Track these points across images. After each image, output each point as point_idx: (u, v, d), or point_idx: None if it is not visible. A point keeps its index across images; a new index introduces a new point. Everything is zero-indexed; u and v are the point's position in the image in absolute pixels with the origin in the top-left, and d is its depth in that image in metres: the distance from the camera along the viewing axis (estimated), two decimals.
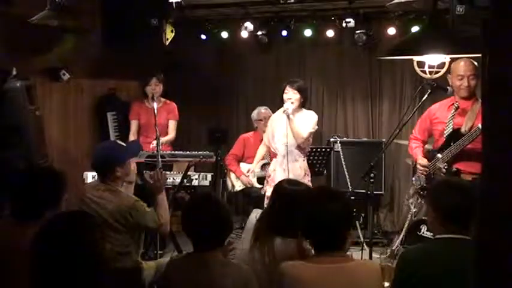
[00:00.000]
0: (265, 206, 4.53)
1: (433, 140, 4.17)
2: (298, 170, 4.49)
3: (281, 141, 4.52)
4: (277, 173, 4.54)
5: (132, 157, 3.44)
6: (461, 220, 2.35)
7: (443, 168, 3.81)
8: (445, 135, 3.88)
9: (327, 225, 2.23)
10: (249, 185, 5.68)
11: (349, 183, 5.74)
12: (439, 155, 3.86)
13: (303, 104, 4.56)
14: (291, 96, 4.44)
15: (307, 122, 4.49)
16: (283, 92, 4.50)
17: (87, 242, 1.75)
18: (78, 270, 1.70)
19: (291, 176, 4.42)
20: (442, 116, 3.95)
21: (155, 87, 5.15)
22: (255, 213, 3.16)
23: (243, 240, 3.17)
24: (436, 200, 2.47)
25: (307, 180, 4.52)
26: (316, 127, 4.60)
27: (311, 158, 5.46)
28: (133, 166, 3.54)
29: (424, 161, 3.97)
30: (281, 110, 4.55)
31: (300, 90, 4.46)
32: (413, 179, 4.16)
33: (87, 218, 1.90)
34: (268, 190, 4.54)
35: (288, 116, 4.39)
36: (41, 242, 1.74)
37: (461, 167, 3.74)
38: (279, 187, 2.85)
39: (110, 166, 3.18)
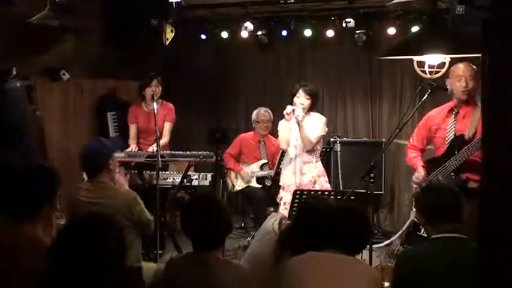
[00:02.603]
0: (279, 209, 4.54)
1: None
2: (313, 171, 4.49)
3: (292, 144, 4.51)
4: (286, 177, 4.55)
5: (116, 149, 3.49)
6: (441, 218, 2.47)
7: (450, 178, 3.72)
8: (447, 143, 3.80)
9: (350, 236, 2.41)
10: (248, 178, 5.71)
11: (341, 184, 5.76)
12: (444, 165, 3.77)
13: (312, 108, 4.54)
14: (303, 101, 4.42)
15: (315, 126, 4.48)
16: (294, 94, 4.47)
17: (112, 243, 1.76)
18: (99, 273, 1.71)
19: (304, 178, 4.44)
20: (442, 122, 3.88)
21: (155, 88, 5.08)
22: (274, 218, 3.18)
23: (257, 239, 3.21)
24: (417, 204, 2.71)
25: (324, 181, 4.55)
26: (326, 129, 4.59)
27: None
28: (122, 179, 3.54)
29: (422, 174, 3.91)
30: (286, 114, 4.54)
31: (312, 95, 4.46)
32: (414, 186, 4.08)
33: (109, 219, 1.90)
34: (286, 196, 4.50)
35: (298, 124, 4.39)
36: (64, 244, 1.74)
37: (469, 175, 3.64)
38: (305, 204, 2.88)
39: (104, 160, 3.21)
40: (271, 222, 3.10)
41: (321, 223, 2.57)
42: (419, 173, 3.92)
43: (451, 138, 3.78)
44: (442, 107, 3.98)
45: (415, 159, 4.03)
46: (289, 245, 2.65)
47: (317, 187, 4.42)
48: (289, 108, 4.43)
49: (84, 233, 1.77)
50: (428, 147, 4.19)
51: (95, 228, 1.79)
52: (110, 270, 1.74)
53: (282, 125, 4.67)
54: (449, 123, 3.82)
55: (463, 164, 3.64)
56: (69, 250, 1.73)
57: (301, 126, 4.39)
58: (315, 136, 4.45)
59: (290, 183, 4.50)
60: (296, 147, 4.49)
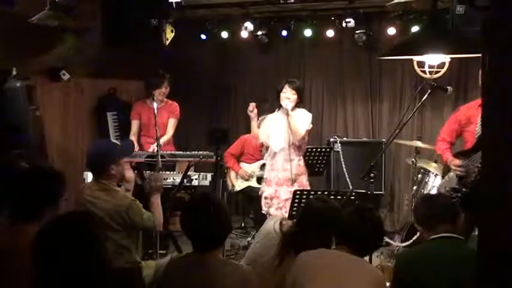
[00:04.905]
0: (264, 206, 4.57)
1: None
2: (294, 168, 4.46)
3: (277, 140, 4.51)
4: (270, 172, 4.57)
5: (125, 156, 3.44)
6: (437, 221, 2.57)
7: (476, 168, 3.67)
8: (476, 136, 3.79)
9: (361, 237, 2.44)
10: (246, 177, 5.74)
11: (349, 183, 5.74)
12: (474, 156, 3.73)
13: (298, 104, 4.56)
14: (290, 96, 4.46)
15: (303, 120, 4.50)
16: (280, 91, 4.50)
17: (89, 241, 1.75)
18: (80, 269, 1.70)
19: (285, 174, 4.43)
20: (473, 116, 3.85)
21: (165, 90, 5.28)
22: (274, 219, 3.19)
23: (258, 240, 3.22)
24: (415, 214, 2.81)
25: (304, 180, 4.53)
26: (311, 125, 4.59)
27: (311, 157, 5.45)
28: (129, 175, 3.51)
29: (457, 161, 3.85)
30: (278, 111, 4.56)
31: (298, 90, 4.49)
32: (445, 179, 4.02)
33: (88, 217, 1.90)
34: (267, 190, 4.56)
35: (287, 112, 4.39)
36: (43, 242, 1.74)
37: None
38: (308, 205, 2.89)
39: (104, 164, 3.19)
40: (272, 223, 3.10)
41: (324, 224, 2.58)
42: (455, 161, 3.86)
43: (480, 132, 3.70)
44: (472, 102, 3.99)
45: (444, 150, 4.03)
46: (293, 245, 2.65)
47: (296, 186, 4.38)
48: (251, 105, 4.50)
49: (58, 231, 1.76)
50: None
51: (70, 225, 1.79)
52: (89, 267, 1.73)
53: (269, 118, 4.67)
54: (480, 117, 3.77)
55: None
56: (47, 249, 1.73)
57: (290, 115, 4.39)
58: (303, 129, 4.45)
59: (270, 178, 4.54)
60: (279, 142, 4.50)
